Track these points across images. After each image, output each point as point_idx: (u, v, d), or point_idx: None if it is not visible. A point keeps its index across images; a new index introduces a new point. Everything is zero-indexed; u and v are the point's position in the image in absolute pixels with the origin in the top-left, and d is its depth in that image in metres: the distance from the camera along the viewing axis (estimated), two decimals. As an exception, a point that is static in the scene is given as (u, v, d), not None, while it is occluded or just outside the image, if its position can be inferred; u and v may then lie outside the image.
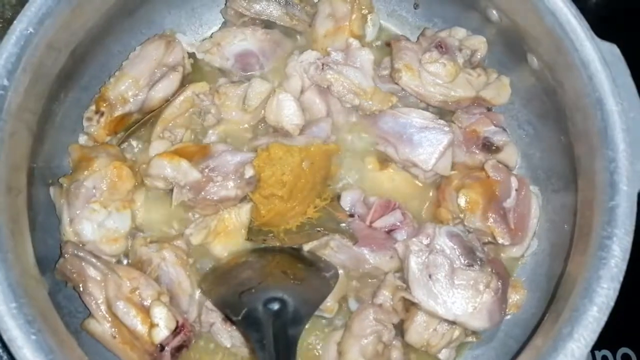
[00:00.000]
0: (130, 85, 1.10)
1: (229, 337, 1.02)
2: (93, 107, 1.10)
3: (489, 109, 1.15)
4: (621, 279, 0.80)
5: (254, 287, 0.94)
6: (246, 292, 0.93)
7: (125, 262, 1.07)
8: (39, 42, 0.89)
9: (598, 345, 0.81)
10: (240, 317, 0.90)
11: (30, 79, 0.89)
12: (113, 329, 0.97)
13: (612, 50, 0.91)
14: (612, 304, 0.80)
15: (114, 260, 1.05)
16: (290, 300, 0.91)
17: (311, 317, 0.98)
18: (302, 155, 1.01)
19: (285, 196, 1.00)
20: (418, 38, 1.19)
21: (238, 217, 1.05)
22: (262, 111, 1.11)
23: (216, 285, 1.01)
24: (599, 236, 0.83)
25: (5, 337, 0.77)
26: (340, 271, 1.04)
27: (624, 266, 0.81)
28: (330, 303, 1.03)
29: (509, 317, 1.07)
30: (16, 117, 0.87)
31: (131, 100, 1.10)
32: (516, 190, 1.08)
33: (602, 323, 0.79)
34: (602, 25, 0.95)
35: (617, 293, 0.80)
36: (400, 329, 1.03)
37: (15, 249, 0.84)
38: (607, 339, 0.81)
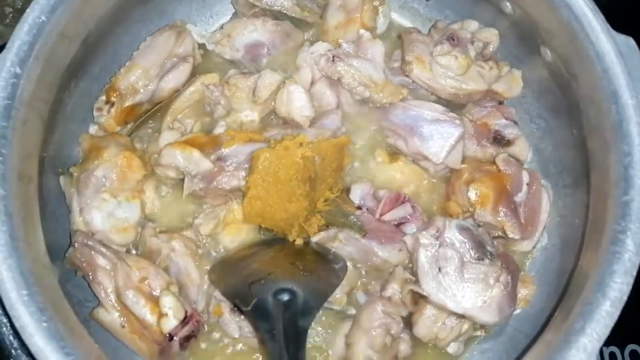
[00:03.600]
0: (141, 75, 1.10)
1: (237, 327, 1.02)
2: (103, 97, 1.11)
3: (500, 102, 1.14)
4: (634, 273, 0.80)
5: (263, 277, 0.94)
6: (255, 283, 0.93)
7: (134, 252, 1.07)
8: (51, 30, 0.89)
9: (606, 342, 0.80)
10: (250, 308, 0.90)
11: (42, 68, 0.89)
12: (122, 318, 0.97)
13: (628, 42, 0.90)
14: (625, 298, 0.79)
15: (123, 249, 1.05)
16: (300, 291, 0.91)
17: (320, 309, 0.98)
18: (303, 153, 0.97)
19: (261, 196, 0.97)
20: (430, 30, 1.18)
21: (247, 208, 1.04)
22: (272, 103, 1.11)
23: (225, 275, 1.01)
24: (613, 230, 0.82)
25: (17, 325, 0.77)
26: (349, 263, 1.04)
27: (637, 260, 0.80)
28: (339, 295, 1.03)
29: (518, 312, 1.07)
30: (28, 105, 0.87)
31: (141, 90, 1.10)
32: (527, 184, 1.08)
33: (615, 318, 0.79)
34: (617, 18, 0.94)
35: (630, 288, 0.80)
36: (408, 322, 1.03)
37: (26, 237, 0.84)
38: (615, 335, 0.80)
